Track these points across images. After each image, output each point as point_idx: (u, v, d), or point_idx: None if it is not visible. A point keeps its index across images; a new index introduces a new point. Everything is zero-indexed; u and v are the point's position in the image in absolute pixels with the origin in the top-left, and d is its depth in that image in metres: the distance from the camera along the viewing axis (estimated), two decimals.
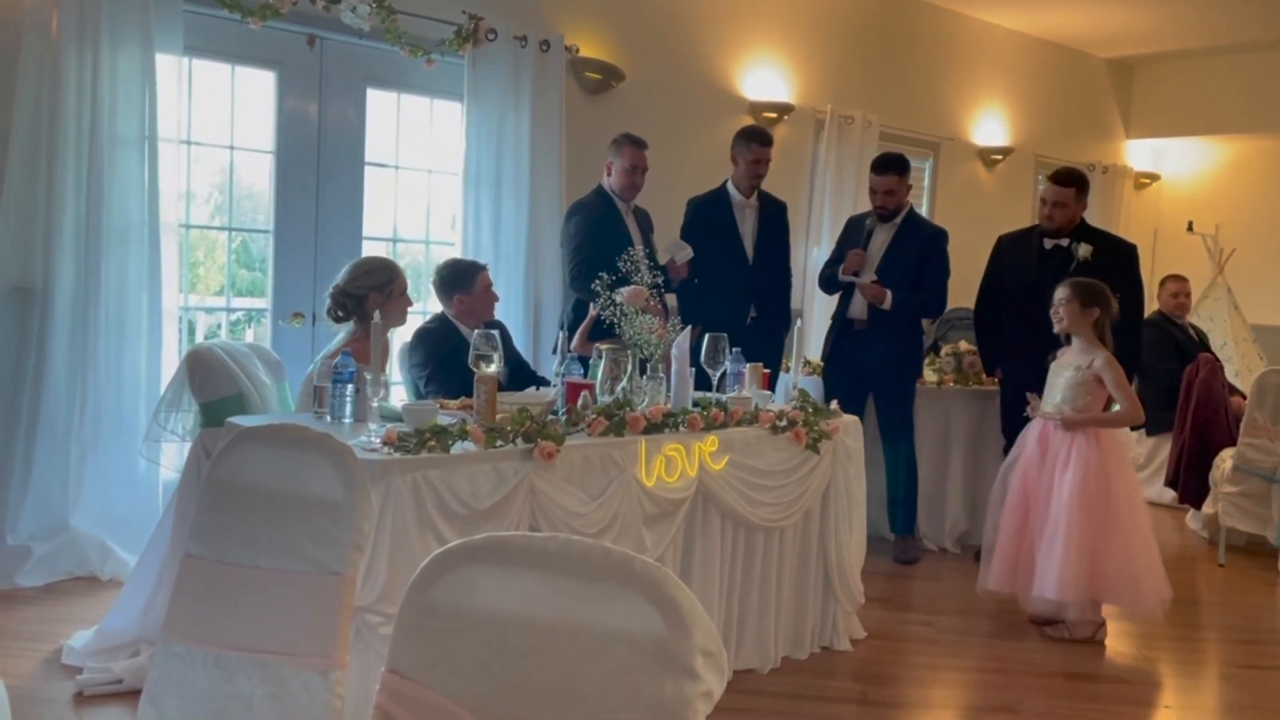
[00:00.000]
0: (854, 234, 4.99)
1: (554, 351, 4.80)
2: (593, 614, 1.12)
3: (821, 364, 5.17)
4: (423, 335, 3.87)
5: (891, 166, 4.79)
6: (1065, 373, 3.94)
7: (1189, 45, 8.00)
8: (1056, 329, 4.01)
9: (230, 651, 1.76)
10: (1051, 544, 3.74)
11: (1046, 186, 4.74)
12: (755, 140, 4.84)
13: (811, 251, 6.54)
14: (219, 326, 5.04)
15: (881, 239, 4.85)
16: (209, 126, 4.68)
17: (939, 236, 4.87)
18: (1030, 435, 4.02)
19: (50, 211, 4.00)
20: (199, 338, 4.88)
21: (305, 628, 1.72)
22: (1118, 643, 3.96)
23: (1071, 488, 3.76)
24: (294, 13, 4.49)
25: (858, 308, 4.87)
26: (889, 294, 4.71)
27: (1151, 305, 6.75)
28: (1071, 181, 4.66)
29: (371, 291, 3.46)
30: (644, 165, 4.56)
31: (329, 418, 2.91)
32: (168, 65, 4.23)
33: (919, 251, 4.78)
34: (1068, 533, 3.71)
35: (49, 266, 4.01)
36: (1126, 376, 3.94)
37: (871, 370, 4.84)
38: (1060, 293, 3.97)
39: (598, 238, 4.42)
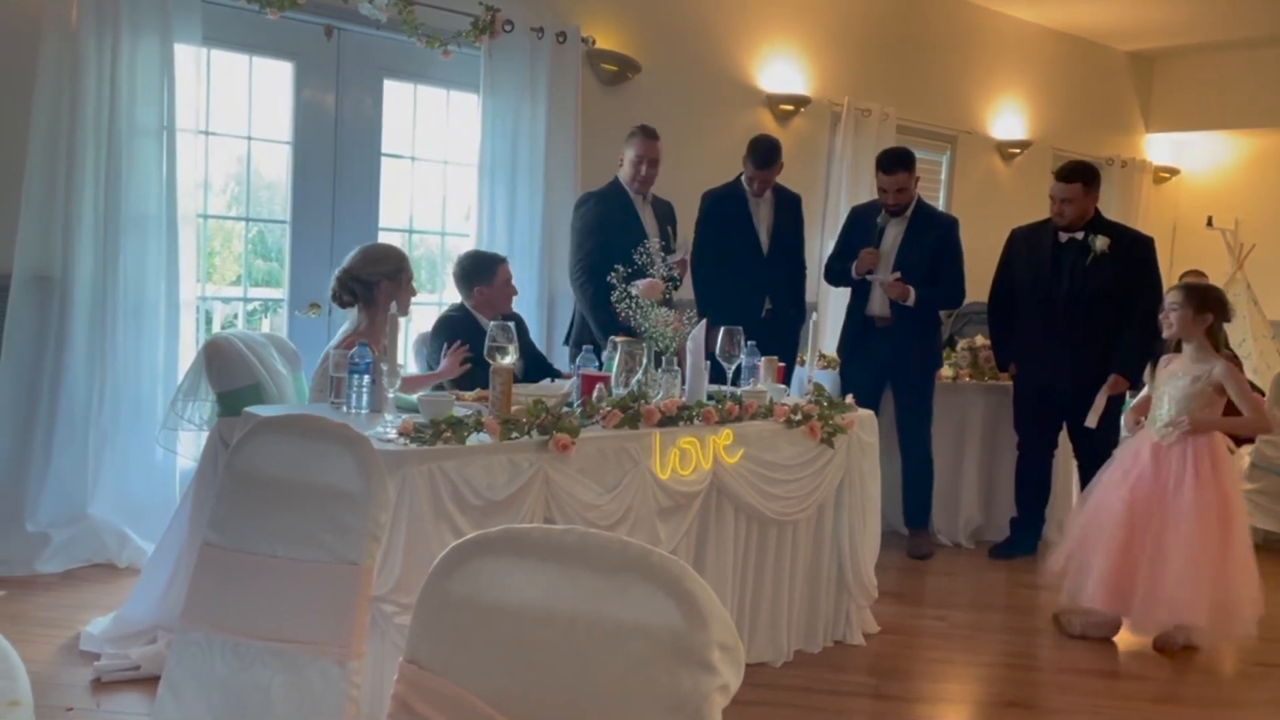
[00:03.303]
0: (860, 225, 4.94)
1: (566, 342, 4.80)
2: (609, 607, 1.12)
3: (837, 358, 5.15)
4: (445, 323, 3.89)
5: (899, 164, 4.72)
6: (1177, 382, 3.73)
7: (1210, 39, 7.92)
8: (1165, 335, 3.81)
9: (248, 640, 1.77)
10: (1174, 567, 3.57)
11: (1053, 184, 4.67)
12: (752, 162, 4.78)
13: (827, 244, 6.50)
14: (235, 316, 5.07)
15: (894, 233, 4.81)
16: (227, 117, 4.70)
17: (952, 226, 4.84)
18: (1137, 450, 3.81)
19: (69, 201, 4.02)
20: (216, 327, 4.91)
21: (322, 617, 1.73)
22: (1132, 639, 3.94)
23: (1192, 509, 3.59)
24: (311, 3, 4.50)
25: (878, 305, 4.83)
26: (913, 291, 4.69)
27: None
28: (1077, 176, 4.60)
29: (384, 279, 3.43)
30: (652, 156, 4.51)
31: (345, 408, 2.92)
32: (186, 56, 4.24)
33: (933, 243, 4.75)
34: (1189, 555, 3.55)
35: (68, 256, 4.04)
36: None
37: (891, 364, 4.81)
38: (1171, 297, 3.77)
39: (606, 231, 4.41)
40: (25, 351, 4.03)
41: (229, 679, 1.77)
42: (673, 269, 3.75)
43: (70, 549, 4.03)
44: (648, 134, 4.52)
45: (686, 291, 4.84)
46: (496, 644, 1.18)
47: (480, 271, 3.90)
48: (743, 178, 4.90)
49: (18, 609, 3.55)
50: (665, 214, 4.69)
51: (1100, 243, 4.58)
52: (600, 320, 4.36)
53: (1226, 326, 7.01)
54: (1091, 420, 4.52)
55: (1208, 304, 3.73)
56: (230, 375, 3.36)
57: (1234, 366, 3.75)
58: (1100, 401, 4.52)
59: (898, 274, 4.72)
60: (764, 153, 4.77)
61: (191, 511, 3.23)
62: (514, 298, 4.03)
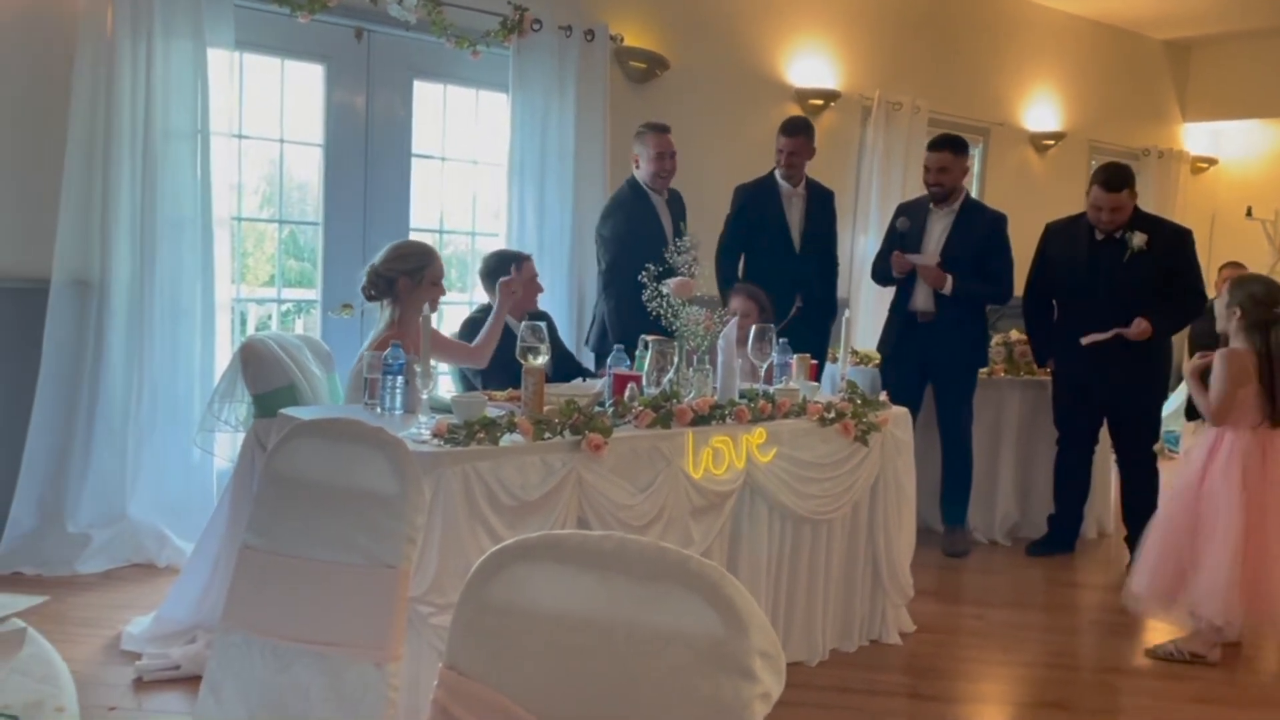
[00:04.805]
0: (894, 231, 4.90)
1: (586, 343, 4.80)
2: (649, 614, 1.12)
3: (871, 354, 5.11)
4: (471, 325, 3.89)
5: (944, 144, 4.73)
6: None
7: (1247, 26, 7.78)
8: (1218, 327, 3.87)
9: (287, 642, 1.78)
10: (1216, 561, 3.50)
11: (1098, 194, 4.51)
12: (781, 132, 4.81)
13: (859, 240, 6.47)
14: (269, 317, 5.11)
15: (941, 225, 4.77)
16: (259, 120, 4.74)
17: (999, 221, 4.77)
18: (1198, 447, 3.80)
19: (106, 205, 4.07)
20: (250, 329, 4.95)
21: (360, 620, 1.74)
22: (1171, 638, 3.88)
23: (1235, 501, 3.53)
24: (341, 6, 4.53)
25: (921, 299, 4.77)
26: (950, 278, 4.64)
27: (1208, 292, 6.61)
28: (1124, 184, 4.49)
29: (402, 276, 3.40)
30: (671, 150, 4.52)
31: (379, 409, 2.94)
32: (219, 59, 4.28)
33: (981, 238, 4.70)
34: (1233, 550, 3.48)
35: (106, 259, 4.09)
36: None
37: (934, 361, 4.76)
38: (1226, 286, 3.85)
39: (636, 237, 4.41)
40: (64, 354, 4.08)
41: (269, 680, 1.78)
42: (694, 267, 3.73)
43: (110, 549, 4.08)
44: (660, 129, 4.53)
45: (710, 286, 4.81)
46: (535, 650, 1.18)
47: (505, 268, 3.91)
48: (776, 171, 4.88)
49: (59, 609, 3.59)
50: (678, 208, 4.67)
51: (1138, 239, 4.51)
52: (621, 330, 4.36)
53: None
54: (1085, 340, 4.49)
55: (1241, 300, 3.72)
56: (265, 377, 3.39)
57: (1236, 355, 3.66)
58: (1108, 334, 4.45)
59: (938, 259, 4.67)
60: (791, 123, 4.81)
61: (229, 512, 3.26)
62: (539, 295, 4.03)
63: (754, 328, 3.49)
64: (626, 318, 4.31)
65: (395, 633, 1.73)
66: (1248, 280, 3.89)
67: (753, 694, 1.07)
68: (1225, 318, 3.77)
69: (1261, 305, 3.69)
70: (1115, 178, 4.51)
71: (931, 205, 4.80)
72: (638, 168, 4.56)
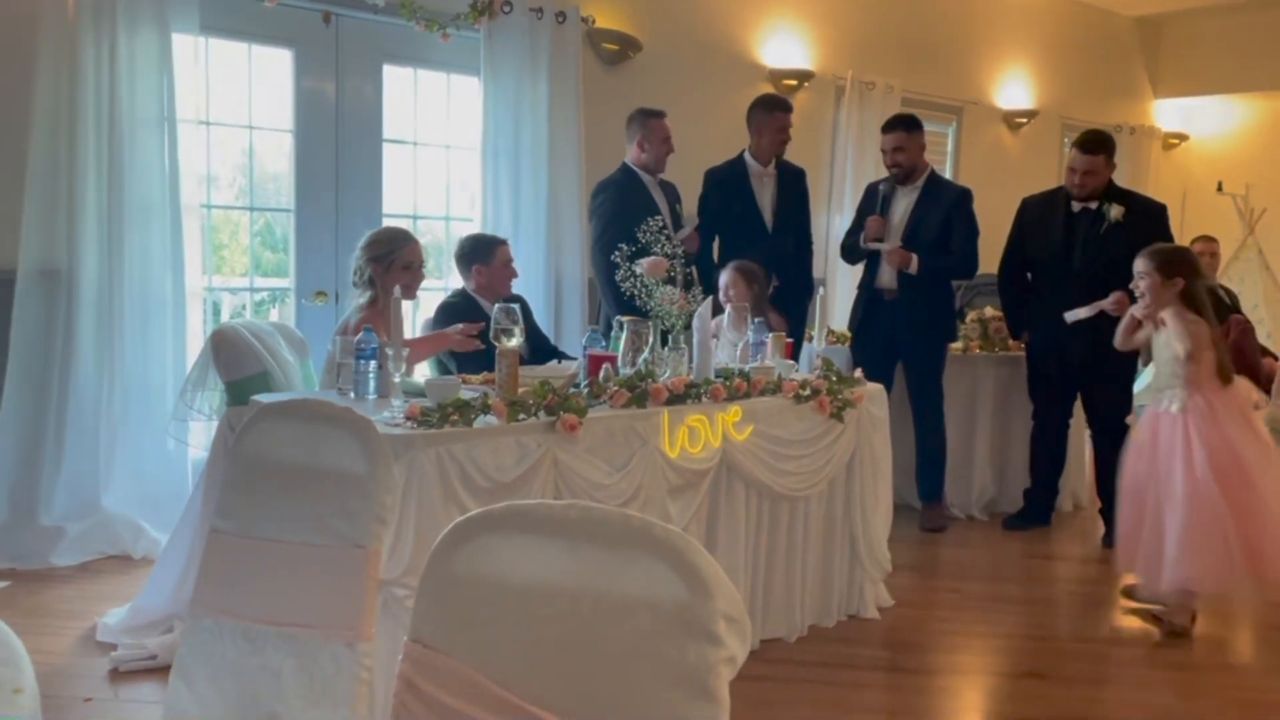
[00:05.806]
0: (873, 200, 4.93)
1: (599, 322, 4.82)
2: (614, 581, 1.12)
3: (847, 334, 5.13)
4: (445, 309, 3.88)
5: (896, 124, 4.77)
6: (1167, 352, 3.60)
7: (1218, 1, 7.81)
8: (1140, 310, 3.74)
9: (258, 624, 1.78)
10: (1188, 532, 3.43)
11: (1075, 155, 4.59)
12: (779, 108, 4.81)
13: (834, 220, 6.47)
14: (243, 307, 5.07)
15: (904, 203, 4.79)
16: (228, 106, 4.68)
17: (963, 196, 4.80)
18: (1144, 423, 3.71)
19: (73, 194, 4.02)
20: (224, 318, 4.91)
21: (331, 600, 1.73)
22: (1139, 608, 3.92)
23: (1200, 472, 3.44)
24: None
25: (886, 277, 4.80)
26: (915, 258, 4.66)
27: None
28: (1101, 148, 4.55)
29: (371, 262, 3.46)
30: (669, 133, 4.62)
31: (352, 394, 2.92)
32: (184, 45, 4.23)
33: (944, 213, 4.72)
34: (1188, 521, 3.43)
35: (73, 249, 4.04)
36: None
37: (902, 338, 4.79)
38: (1138, 265, 3.67)
39: (628, 218, 4.41)
40: (33, 345, 4.03)
41: (240, 664, 1.78)
42: (680, 245, 3.74)
43: (85, 541, 4.04)
44: (661, 114, 4.59)
45: None
46: (502, 621, 1.18)
47: (479, 251, 3.92)
48: (745, 153, 4.88)
49: (35, 601, 3.57)
50: (672, 194, 4.71)
51: (1115, 211, 4.54)
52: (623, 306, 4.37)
53: (1239, 291, 6.97)
54: (1069, 315, 4.45)
55: (1177, 268, 3.63)
56: (238, 364, 3.37)
57: (1199, 324, 3.57)
58: (1093, 309, 4.42)
59: (898, 242, 4.70)
60: (777, 99, 4.87)
61: (204, 501, 3.24)
62: (513, 280, 4.02)
63: (730, 307, 3.49)
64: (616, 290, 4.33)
65: (367, 613, 1.73)
66: (1175, 250, 3.82)
67: (718, 658, 1.07)
68: (1160, 290, 3.62)
69: (1200, 276, 3.68)
70: (1092, 140, 4.58)
71: (896, 185, 4.82)
72: (643, 151, 4.57)
